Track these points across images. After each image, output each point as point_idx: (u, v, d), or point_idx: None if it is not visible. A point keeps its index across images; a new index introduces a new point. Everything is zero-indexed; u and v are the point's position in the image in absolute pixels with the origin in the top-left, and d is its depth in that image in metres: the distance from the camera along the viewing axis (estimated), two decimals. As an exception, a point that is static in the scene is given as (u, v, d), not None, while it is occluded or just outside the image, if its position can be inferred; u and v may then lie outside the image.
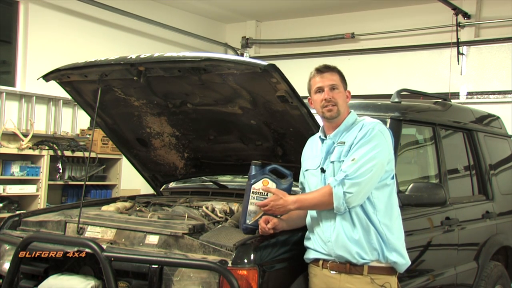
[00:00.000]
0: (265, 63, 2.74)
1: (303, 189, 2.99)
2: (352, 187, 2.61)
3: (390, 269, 2.72)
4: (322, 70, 2.82)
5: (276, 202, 2.73)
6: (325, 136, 2.87)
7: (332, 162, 2.76)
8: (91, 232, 3.11)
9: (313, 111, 3.00)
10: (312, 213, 2.83)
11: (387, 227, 2.70)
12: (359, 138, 2.71)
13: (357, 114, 2.90)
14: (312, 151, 2.92)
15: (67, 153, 6.66)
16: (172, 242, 2.85)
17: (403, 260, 2.74)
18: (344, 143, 2.75)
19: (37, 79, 3.52)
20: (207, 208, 3.31)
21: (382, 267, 2.69)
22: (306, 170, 2.92)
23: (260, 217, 2.88)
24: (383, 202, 2.73)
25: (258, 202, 2.83)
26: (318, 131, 3.04)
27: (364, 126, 2.75)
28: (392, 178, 2.79)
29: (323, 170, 2.79)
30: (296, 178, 3.05)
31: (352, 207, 2.66)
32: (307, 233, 2.86)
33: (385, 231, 2.69)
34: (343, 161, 2.71)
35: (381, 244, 2.67)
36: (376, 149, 2.68)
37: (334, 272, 2.71)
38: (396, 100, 3.98)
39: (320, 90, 2.80)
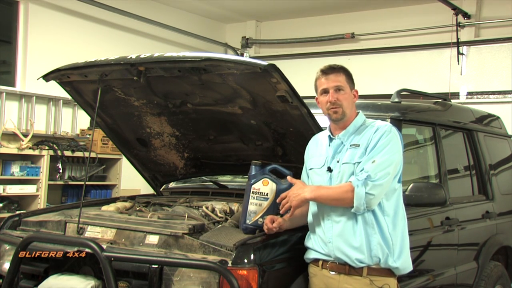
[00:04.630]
0: (265, 63, 2.74)
1: None
2: (374, 188, 2.60)
3: (390, 271, 2.71)
4: (327, 71, 2.78)
5: (292, 191, 2.73)
6: (333, 136, 2.85)
7: (344, 163, 2.72)
8: (91, 232, 3.11)
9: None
10: (313, 212, 2.82)
11: (394, 233, 2.70)
12: (376, 140, 2.69)
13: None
14: (317, 150, 2.90)
15: (67, 153, 6.66)
16: (172, 242, 2.84)
17: (406, 267, 2.74)
18: (358, 145, 2.72)
19: (37, 79, 3.52)
20: (207, 208, 3.31)
21: (381, 269, 2.69)
22: (310, 169, 2.89)
23: (261, 216, 2.88)
24: (392, 207, 2.74)
25: (280, 197, 2.79)
26: (318, 131, 3.05)
27: (380, 128, 2.73)
28: (399, 181, 2.79)
29: (330, 169, 2.77)
30: (296, 178, 3.04)
31: (371, 209, 2.65)
32: (308, 233, 2.86)
33: (392, 238, 2.69)
34: (357, 163, 2.68)
35: (385, 252, 2.66)
36: (394, 152, 2.69)
37: (333, 272, 2.71)
38: (396, 100, 3.98)
39: (325, 91, 2.78)
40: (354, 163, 2.70)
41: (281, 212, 2.80)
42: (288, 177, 2.87)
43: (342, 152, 2.77)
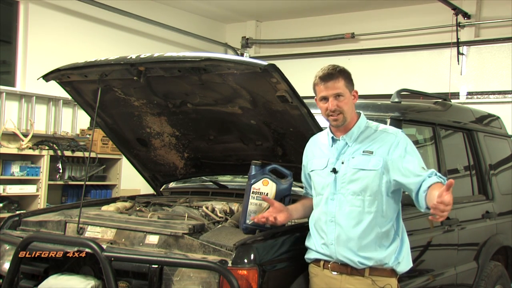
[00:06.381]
0: (265, 63, 2.73)
1: (306, 190, 2.99)
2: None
3: (391, 271, 2.72)
4: (325, 79, 2.73)
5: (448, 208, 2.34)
6: (336, 137, 2.82)
7: (359, 169, 2.69)
8: (91, 232, 3.11)
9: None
10: (316, 213, 2.81)
11: (396, 235, 2.71)
12: (403, 149, 2.68)
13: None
14: (318, 151, 2.88)
15: (67, 153, 6.66)
16: (172, 242, 2.85)
17: (407, 264, 2.75)
18: (371, 152, 2.70)
19: (37, 79, 3.52)
20: (207, 208, 3.31)
21: (383, 269, 2.69)
22: (312, 171, 2.87)
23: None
24: (396, 209, 2.76)
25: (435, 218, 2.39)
26: (318, 131, 3.04)
27: (397, 135, 2.74)
28: None
29: (335, 171, 2.75)
30: (296, 178, 3.05)
31: None
32: (309, 233, 2.85)
33: (395, 239, 2.70)
34: (374, 170, 2.66)
35: (388, 255, 2.67)
36: None
37: (335, 272, 2.71)
38: (396, 100, 3.98)
39: (324, 98, 2.76)
40: (370, 170, 2.66)
41: None
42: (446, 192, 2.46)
43: (347, 153, 2.76)
